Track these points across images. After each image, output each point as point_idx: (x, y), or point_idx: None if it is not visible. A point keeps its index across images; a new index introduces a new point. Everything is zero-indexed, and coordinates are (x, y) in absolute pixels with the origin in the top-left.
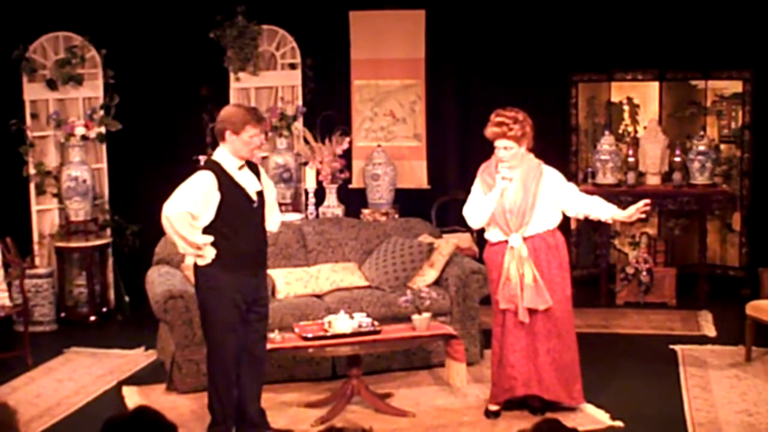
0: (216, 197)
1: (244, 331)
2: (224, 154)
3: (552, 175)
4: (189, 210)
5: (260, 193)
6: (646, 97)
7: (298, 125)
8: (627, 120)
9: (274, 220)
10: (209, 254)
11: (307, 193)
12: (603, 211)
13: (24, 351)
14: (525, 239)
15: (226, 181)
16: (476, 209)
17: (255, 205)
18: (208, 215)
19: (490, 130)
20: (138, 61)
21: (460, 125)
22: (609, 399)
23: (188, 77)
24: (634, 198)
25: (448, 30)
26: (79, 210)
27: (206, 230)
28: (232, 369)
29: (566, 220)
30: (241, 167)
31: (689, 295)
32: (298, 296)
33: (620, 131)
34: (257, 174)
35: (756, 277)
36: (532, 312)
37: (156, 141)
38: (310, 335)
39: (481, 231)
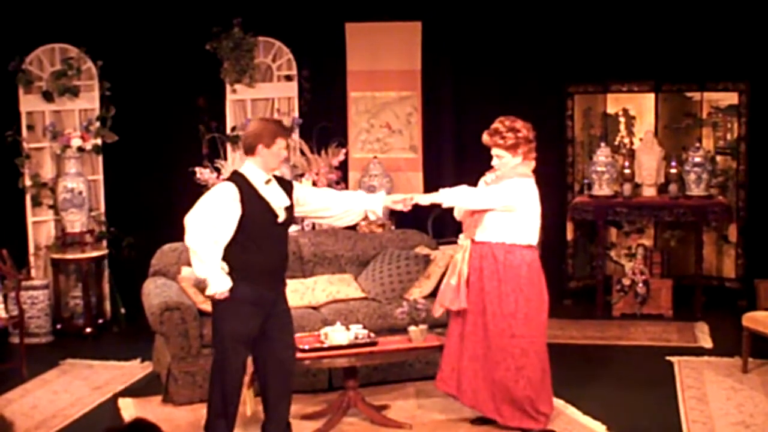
0: (237, 210)
1: (267, 345)
2: (252, 168)
3: (505, 184)
4: (212, 237)
5: (289, 209)
6: (642, 108)
7: (295, 137)
8: (623, 131)
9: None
10: (217, 284)
11: None
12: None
13: (19, 363)
14: (475, 243)
15: (250, 195)
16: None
17: (280, 220)
18: (229, 230)
19: (484, 137)
20: (134, 73)
21: (456, 137)
22: (605, 410)
23: (184, 89)
24: (630, 209)
25: (444, 42)
26: (75, 222)
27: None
28: (236, 386)
29: (563, 231)
30: (268, 181)
31: (686, 307)
32: (294, 308)
33: (616, 143)
34: (289, 190)
35: (752, 289)
36: (462, 313)
37: (152, 153)
38: (306, 347)
39: None
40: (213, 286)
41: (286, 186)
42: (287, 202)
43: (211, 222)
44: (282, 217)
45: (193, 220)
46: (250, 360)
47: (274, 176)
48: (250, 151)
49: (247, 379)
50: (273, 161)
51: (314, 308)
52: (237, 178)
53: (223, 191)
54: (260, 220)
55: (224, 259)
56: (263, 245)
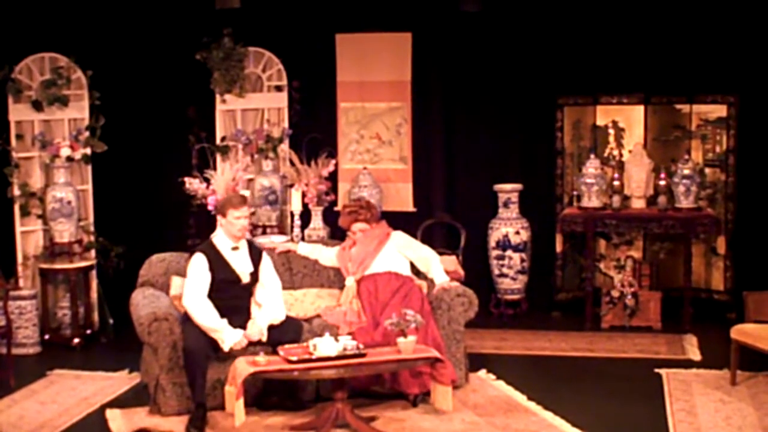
0: (208, 276)
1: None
2: (221, 236)
3: None
4: (203, 291)
5: (253, 273)
6: (631, 120)
7: (284, 147)
8: (612, 143)
9: (278, 311)
10: (229, 338)
11: (292, 215)
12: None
13: (7, 373)
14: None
15: (217, 262)
16: None
17: (243, 283)
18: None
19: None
20: (124, 83)
21: (446, 148)
22: (594, 423)
23: (174, 99)
24: (619, 221)
25: (434, 53)
26: (63, 231)
27: None
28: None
29: (552, 242)
30: (234, 248)
31: (674, 319)
32: None
33: (605, 155)
34: (257, 259)
35: (741, 301)
36: None
37: (141, 162)
38: (295, 358)
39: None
40: (228, 341)
41: (255, 255)
42: (251, 269)
43: (202, 293)
44: (245, 280)
45: (190, 301)
46: (239, 370)
47: (249, 243)
48: (218, 222)
49: (235, 390)
50: (232, 229)
51: (303, 320)
52: (207, 247)
53: (196, 263)
54: (225, 281)
55: None
56: (226, 298)
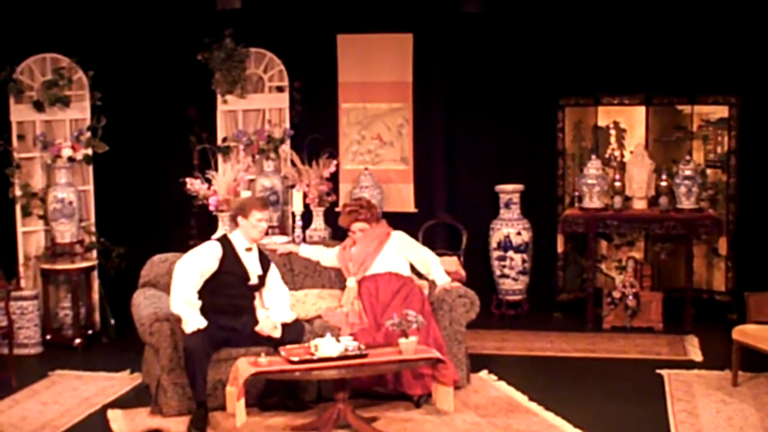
0: (214, 266)
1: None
2: (237, 235)
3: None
4: (195, 282)
5: (261, 277)
6: (632, 121)
7: (286, 148)
8: (614, 144)
9: (289, 313)
10: (194, 321)
11: (294, 215)
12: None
13: (9, 373)
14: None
15: (229, 256)
16: None
17: (251, 283)
18: (203, 279)
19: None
20: (125, 83)
21: (447, 149)
22: (595, 423)
23: (176, 99)
24: (620, 222)
25: (435, 54)
26: (65, 232)
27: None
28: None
29: (553, 243)
30: (249, 249)
31: (676, 320)
32: None
33: (607, 155)
34: (266, 265)
35: (742, 302)
36: None
37: (143, 163)
38: (296, 359)
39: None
40: (192, 323)
41: (265, 261)
42: (260, 272)
43: (196, 270)
44: (253, 281)
45: (182, 266)
46: (241, 371)
47: (260, 250)
48: (234, 222)
49: (236, 390)
50: (252, 231)
51: (304, 321)
52: (224, 240)
53: (209, 248)
54: (234, 276)
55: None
56: (232, 296)
